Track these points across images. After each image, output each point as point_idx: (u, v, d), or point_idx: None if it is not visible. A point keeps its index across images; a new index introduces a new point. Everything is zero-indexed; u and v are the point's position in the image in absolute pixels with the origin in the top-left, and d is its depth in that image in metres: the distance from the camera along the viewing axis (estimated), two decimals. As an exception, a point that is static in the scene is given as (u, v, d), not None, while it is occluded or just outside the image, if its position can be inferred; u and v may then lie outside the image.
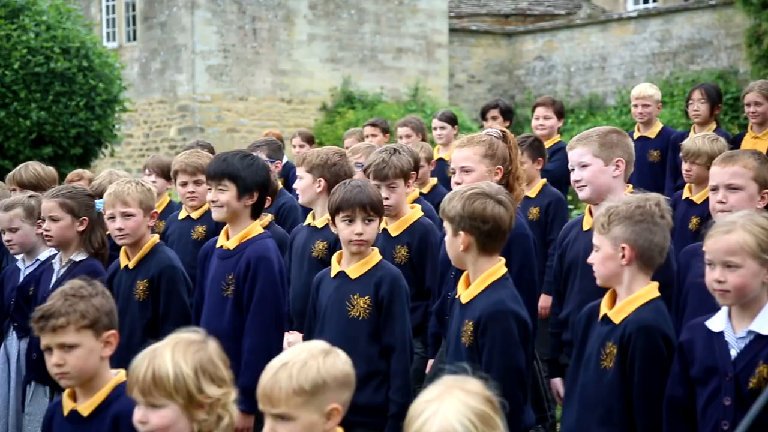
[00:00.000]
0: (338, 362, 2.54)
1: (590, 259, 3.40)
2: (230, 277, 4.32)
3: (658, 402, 3.24)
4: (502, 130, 4.55)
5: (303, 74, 18.38)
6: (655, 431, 3.24)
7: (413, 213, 4.80)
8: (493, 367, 3.45)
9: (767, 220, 3.13)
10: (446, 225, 3.64)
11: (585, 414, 3.33)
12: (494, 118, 7.90)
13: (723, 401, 3.06)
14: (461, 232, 3.58)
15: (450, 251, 3.67)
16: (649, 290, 3.35)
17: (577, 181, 4.16)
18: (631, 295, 3.33)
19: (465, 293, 3.61)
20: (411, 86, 18.97)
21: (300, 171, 4.86)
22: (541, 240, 5.68)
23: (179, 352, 2.60)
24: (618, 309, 3.33)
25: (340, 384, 2.52)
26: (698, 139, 5.58)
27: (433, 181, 6.60)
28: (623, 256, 3.31)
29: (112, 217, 4.52)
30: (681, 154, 5.65)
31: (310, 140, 8.91)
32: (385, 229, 4.34)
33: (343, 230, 4.07)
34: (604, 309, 3.39)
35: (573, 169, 4.19)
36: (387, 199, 4.55)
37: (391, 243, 4.59)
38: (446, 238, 3.66)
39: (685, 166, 5.60)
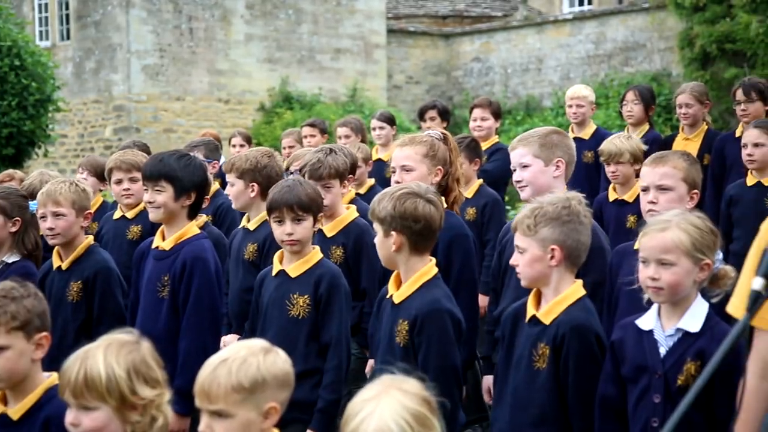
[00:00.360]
0: (278, 361, 2.53)
1: (513, 261, 3.38)
2: (166, 278, 4.29)
3: (593, 401, 3.26)
4: (443, 132, 4.58)
5: (240, 74, 18.28)
6: (591, 430, 3.26)
7: (348, 214, 4.80)
8: (430, 366, 3.46)
9: (700, 219, 3.18)
10: (376, 226, 3.64)
11: (518, 415, 3.33)
12: (432, 118, 7.94)
13: (653, 399, 3.10)
14: (393, 233, 3.59)
15: (381, 252, 3.67)
16: (576, 289, 3.36)
17: (518, 182, 4.19)
18: (560, 295, 3.33)
19: (397, 293, 3.62)
20: (349, 87, 18.98)
21: (230, 178, 4.84)
22: (479, 240, 5.72)
23: (112, 354, 2.57)
24: (547, 310, 3.33)
25: (279, 383, 2.51)
26: (615, 140, 5.71)
27: (371, 182, 6.60)
28: (552, 258, 3.31)
29: (44, 217, 4.47)
30: (602, 159, 5.75)
31: (249, 140, 8.86)
32: (320, 230, 4.33)
33: (275, 231, 4.08)
34: (531, 310, 3.38)
35: (515, 170, 4.23)
36: (322, 199, 4.55)
37: (327, 244, 4.58)
38: (377, 239, 3.66)
39: (610, 168, 5.70)
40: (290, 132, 8.62)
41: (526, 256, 3.34)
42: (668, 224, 3.14)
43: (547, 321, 3.32)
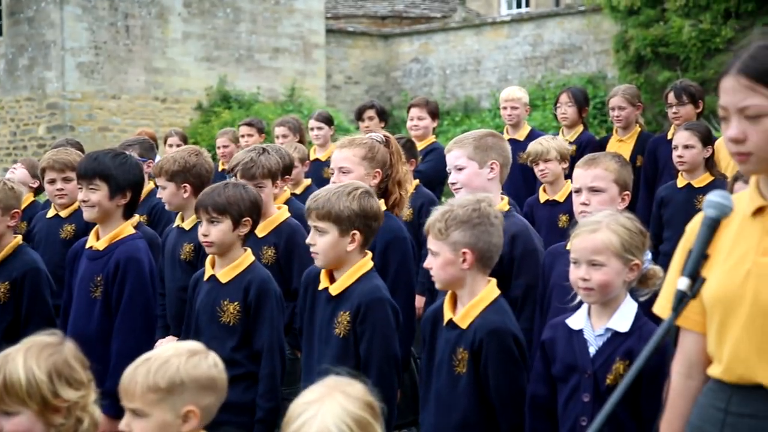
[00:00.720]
0: (203, 364, 2.50)
1: (427, 264, 3.38)
2: (99, 278, 4.25)
3: (517, 401, 3.28)
4: (385, 135, 4.58)
5: (178, 73, 18.10)
6: (519, 429, 3.28)
7: (280, 214, 4.78)
8: (373, 354, 3.53)
9: (630, 220, 3.23)
10: (327, 225, 3.62)
11: (442, 420, 3.33)
12: (370, 118, 7.94)
13: (582, 398, 3.13)
14: (354, 231, 3.62)
15: (332, 252, 3.64)
16: (491, 291, 3.38)
17: (453, 184, 4.21)
18: (475, 298, 3.34)
19: (334, 286, 3.65)
20: (288, 86, 18.91)
21: (161, 181, 4.80)
22: (416, 240, 5.74)
23: (32, 357, 2.51)
24: (464, 314, 3.34)
25: (200, 386, 2.48)
26: (541, 140, 5.77)
27: (307, 182, 6.58)
28: (464, 261, 3.31)
29: None
30: (530, 160, 5.81)
31: (185, 140, 8.78)
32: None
33: (199, 231, 4.06)
34: (447, 314, 3.38)
35: (450, 172, 4.25)
36: (256, 202, 4.53)
37: (258, 244, 4.55)
38: (325, 239, 3.63)
39: (539, 167, 5.76)
40: (225, 131, 8.57)
41: (439, 259, 3.33)
42: (599, 225, 3.18)
43: (464, 325, 3.31)
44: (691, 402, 2.45)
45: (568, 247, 3.32)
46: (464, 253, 3.31)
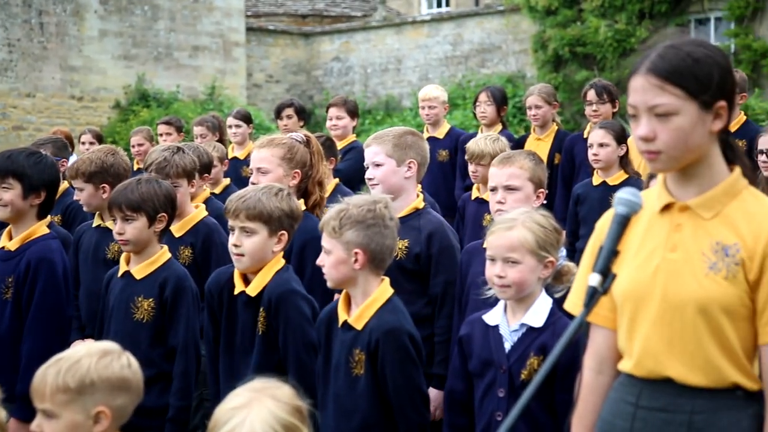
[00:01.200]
0: (114, 364, 2.46)
1: (319, 262, 3.37)
2: (10, 279, 4.18)
3: (415, 400, 3.26)
4: (306, 135, 4.56)
5: (95, 71, 17.78)
6: (420, 428, 3.27)
7: (197, 213, 4.73)
8: (290, 345, 3.53)
9: (544, 218, 3.27)
10: (257, 225, 3.60)
11: (342, 422, 3.31)
12: (289, 117, 7.92)
13: (497, 393, 3.16)
14: (283, 232, 3.63)
15: (259, 253, 3.63)
16: (384, 290, 3.35)
17: (369, 179, 4.21)
18: (369, 299, 3.31)
19: (251, 287, 3.64)
20: (208, 85, 18.72)
21: (78, 183, 4.71)
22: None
23: None
24: (358, 315, 3.30)
25: (111, 387, 2.44)
26: (480, 141, 5.78)
27: (226, 181, 6.53)
28: (356, 261, 3.29)
29: None
30: (466, 157, 5.85)
31: (100, 139, 8.63)
32: (168, 230, 4.26)
33: (113, 229, 4.01)
34: (342, 315, 3.36)
35: (368, 167, 4.24)
36: (172, 200, 4.47)
37: (175, 244, 4.49)
38: (254, 240, 3.61)
39: (471, 167, 5.80)
40: (139, 130, 8.44)
41: (331, 258, 3.31)
42: (514, 223, 3.21)
43: (359, 326, 3.29)
44: (602, 397, 2.48)
45: (484, 245, 3.34)
46: (356, 253, 3.28)
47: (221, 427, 2.06)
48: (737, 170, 2.39)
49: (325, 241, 3.35)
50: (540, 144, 7.36)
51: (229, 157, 7.29)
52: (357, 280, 3.33)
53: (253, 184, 4.19)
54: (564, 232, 6.69)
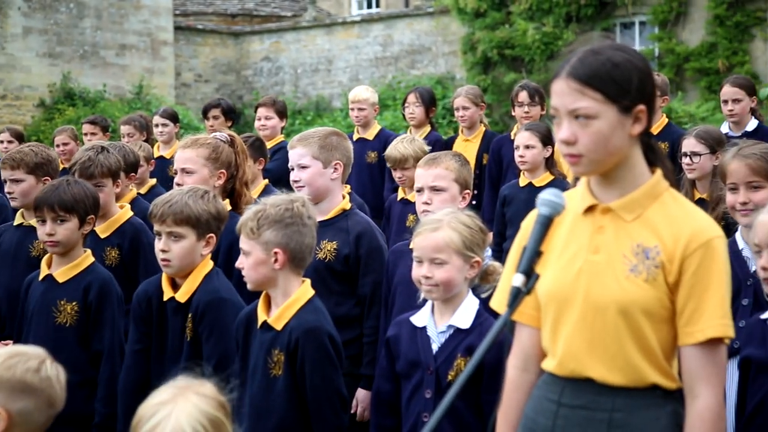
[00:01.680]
0: (19, 367, 2.41)
1: (239, 264, 3.35)
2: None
3: (332, 402, 3.25)
4: (230, 134, 4.53)
5: (18, 69, 17.42)
6: (337, 429, 3.26)
7: (122, 213, 4.66)
8: (213, 354, 3.49)
9: (470, 218, 3.29)
10: (185, 230, 3.57)
11: (257, 424, 3.28)
12: (216, 117, 7.87)
13: (424, 394, 3.17)
14: (211, 235, 3.61)
15: (188, 258, 3.59)
16: (305, 291, 3.34)
17: (296, 182, 4.18)
18: (289, 299, 3.29)
19: (180, 293, 3.60)
20: (135, 84, 18.47)
21: (18, 174, 4.61)
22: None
23: None
24: (278, 315, 3.28)
25: (10, 388, 2.39)
26: (398, 146, 5.77)
27: (152, 181, 6.45)
28: (276, 261, 3.27)
29: None
30: (389, 164, 5.86)
31: (19, 137, 8.45)
32: (93, 231, 4.19)
33: (38, 230, 3.95)
34: (262, 315, 3.34)
35: (293, 169, 4.22)
36: (96, 200, 4.41)
37: (100, 245, 4.43)
38: (182, 245, 3.57)
39: (396, 174, 5.81)
40: (63, 129, 8.30)
41: (250, 259, 3.29)
42: (440, 224, 3.23)
43: (278, 326, 3.27)
44: (527, 394, 2.51)
45: (411, 246, 3.35)
46: (276, 252, 3.27)
47: (146, 422, 2.04)
48: (658, 172, 2.41)
49: (244, 243, 3.32)
50: (468, 145, 7.41)
51: (155, 156, 7.22)
52: (277, 281, 3.31)
53: (178, 185, 4.16)
54: (490, 233, 6.75)
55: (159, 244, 3.60)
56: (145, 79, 18.61)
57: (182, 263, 3.59)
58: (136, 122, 7.80)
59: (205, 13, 21.33)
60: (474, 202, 7.01)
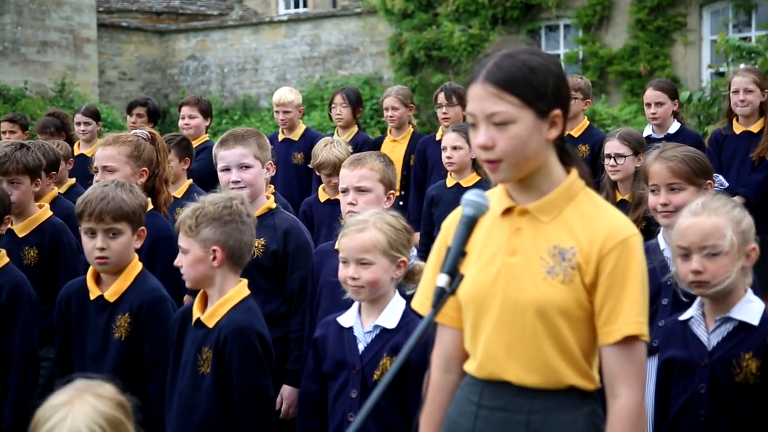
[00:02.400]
0: None
1: (177, 262, 3.34)
2: None
3: (258, 401, 3.25)
4: (150, 132, 4.49)
5: (-65, 65, 16.99)
6: (261, 430, 3.24)
7: (42, 213, 4.57)
8: (159, 354, 3.48)
9: (395, 218, 3.29)
10: (124, 225, 3.55)
11: (184, 421, 3.27)
12: (140, 115, 7.78)
13: (350, 394, 3.18)
14: (142, 228, 3.61)
15: (125, 252, 3.57)
16: (240, 290, 3.34)
17: (237, 182, 4.11)
18: (223, 297, 3.30)
19: (110, 292, 3.56)
20: (58, 81, 18.12)
21: None
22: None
23: None
24: (211, 312, 3.29)
25: None
26: (324, 151, 5.71)
27: (71, 181, 6.34)
28: (214, 258, 3.27)
29: None
30: (324, 171, 5.81)
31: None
32: (11, 230, 4.09)
33: None
34: (196, 313, 3.33)
35: (229, 168, 4.15)
36: (8, 199, 4.31)
37: (19, 244, 4.34)
38: (121, 241, 3.55)
39: (331, 179, 5.74)
40: (-22, 126, 8.13)
41: (189, 257, 3.29)
42: (366, 225, 3.23)
43: (210, 324, 3.27)
44: (449, 395, 2.51)
45: (336, 247, 3.34)
46: (214, 250, 3.27)
47: (43, 424, 2.01)
48: (574, 172, 2.42)
49: (182, 241, 3.31)
50: (396, 146, 7.43)
51: (76, 154, 7.12)
52: (215, 279, 3.30)
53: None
54: (416, 233, 6.76)
55: (95, 243, 3.54)
56: (67, 76, 18.28)
57: (119, 259, 3.57)
58: (51, 129, 7.65)
59: (129, 10, 21.02)
60: (401, 203, 7.04)
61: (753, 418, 2.92)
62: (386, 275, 3.21)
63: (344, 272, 3.23)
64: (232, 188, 4.08)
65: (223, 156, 4.16)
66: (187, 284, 3.35)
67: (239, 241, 3.30)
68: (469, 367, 2.46)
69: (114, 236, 3.54)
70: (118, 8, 21.00)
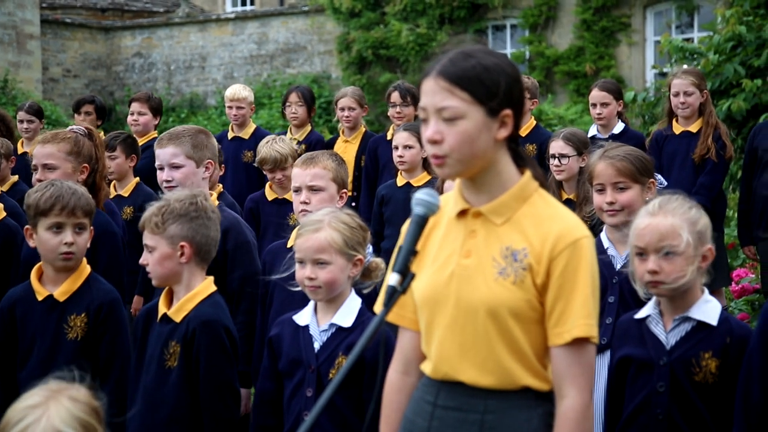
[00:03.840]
0: None
1: (143, 260, 3.35)
2: None
3: (223, 393, 3.26)
4: (87, 128, 4.45)
5: None
6: (226, 422, 3.25)
7: None
8: (116, 354, 3.48)
9: (350, 216, 3.31)
10: (87, 221, 3.56)
11: (150, 416, 3.27)
12: (88, 113, 7.70)
13: (305, 392, 3.18)
14: (91, 228, 3.59)
15: (85, 248, 3.56)
16: (207, 286, 3.37)
17: (168, 181, 4.11)
18: (190, 293, 3.32)
19: (60, 291, 3.54)
20: (0, 78, 17.83)
21: None
22: (136, 239, 5.58)
23: None
24: (178, 307, 3.31)
25: None
26: (275, 146, 5.65)
27: (14, 178, 6.25)
28: (182, 255, 3.29)
29: None
30: (266, 167, 5.81)
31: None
32: None
33: None
34: (162, 308, 3.35)
35: (162, 168, 4.14)
36: None
37: None
38: (83, 237, 3.56)
39: (276, 175, 5.74)
40: None
41: (156, 254, 3.30)
42: (321, 224, 3.24)
43: (177, 319, 3.29)
44: (408, 396, 2.52)
45: (289, 245, 3.34)
46: (182, 246, 3.29)
47: (13, 426, 1.99)
48: (527, 174, 2.43)
49: (148, 239, 3.31)
50: (348, 146, 7.42)
51: (19, 152, 7.02)
52: (182, 275, 3.32)
53: (39, 181, 4.06)
54: (368, 230, 6.70)
55: (62, 238, 3.54)
56: (10, 73, 17.98)
57: (81, 255, 3.58)
58: None
59: (73, 6, 20.74)
60: (354, 204, 7.05)
61: (710, 417, 2.95)
62: (343, 274, 3.23)
63: (301, 273, 3.24)
64: (165, 187, 4.09)
65: (158, 155, 4.18)
66: (154, 282, 3.36)
67: (206, 236, 3.33)
68: (426, 367, 2.48)
69: (80, 232, 3.56)
70: (61, 4, 20.72)
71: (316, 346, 3.21)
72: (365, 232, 3.33)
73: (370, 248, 3.42)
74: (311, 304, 3.30)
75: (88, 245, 3.63)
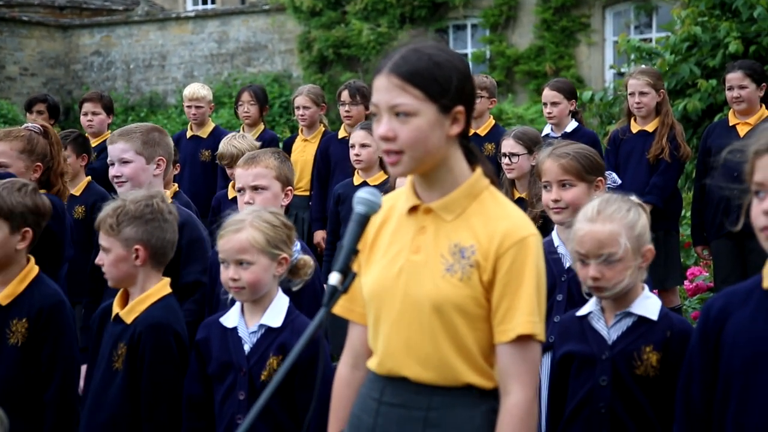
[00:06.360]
0: None
1: (98, 261, 3.33)
2: None
3: (166, 399, 3.23)
4: (42, 125, 4.43)
5: None
6: (164, 428, 3.22)
7: None
8: (59, 359, 3.41)
9: (273, 215, 3.26)
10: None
11: (93, 417, 3.25)
12: (40, 112, 7.61)
13: (238, 396, 3.14)
14: (27, 229, 3.47)
15: (2, 250, 3.45)
16: (161, 287, 3.35)
17: (117, 177, 4.09)
18: (143, 294, 3.31)
19: (3, 294, 3.47)
20: (-45, 77, 17.63)
21: None
22: (88, 238, 5.54)
23: None
24: (130, 308, 3.30)
25: None
26: (232, 143, 5.72)
27: (-33, 178, 6.16)
28: (137, 257, 3.28)
29: None
30: (223, 162, 5.82)
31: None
32: None
33: None
34: (116, 308, 3.34)
35: (113, 164, 4.12)
36: None
37: None
38: None
39: (230, 171, 5.72)
40: None
41: (111, 256, 3.29)
42: (242, 224, 3.20)
43: (128, 320, 3.28)
44: (356, 391, 2.51)
45: (218, 248, 3.32)
46: (137, 249, 3.27)
47: None
48: (478, 171, 2.43)
49: (103, 240, 3.29)
50: (307, 145, 7.39)
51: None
52: (137, 278, 3.31)
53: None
54: (317, 231, 6.73)
55: None
56: (-35, 71, 17.78)
57: (3, 257, 3.47)
58: None
59: (31, 4, 20.49)
60: (310, 203, 7.02)
61: (652, 410, 2.98)
62: (267, 274, 3.18)
63: (224, 274, 3.19)
64: (115, 183, 4.08)
65: (109, 151, 4.17)
66: (110, 283, 3.34)
67: (161, 239, 3.31)
68: (371, 364, 2.46)
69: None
70: (19, 2, 20.47)
71: (246, 348, 3.17)
72: (290, 231, 3.28)
73: (297, 246, 3.39)
74: (237, 305, 3.25)
75: (20, 247, 3.49)
